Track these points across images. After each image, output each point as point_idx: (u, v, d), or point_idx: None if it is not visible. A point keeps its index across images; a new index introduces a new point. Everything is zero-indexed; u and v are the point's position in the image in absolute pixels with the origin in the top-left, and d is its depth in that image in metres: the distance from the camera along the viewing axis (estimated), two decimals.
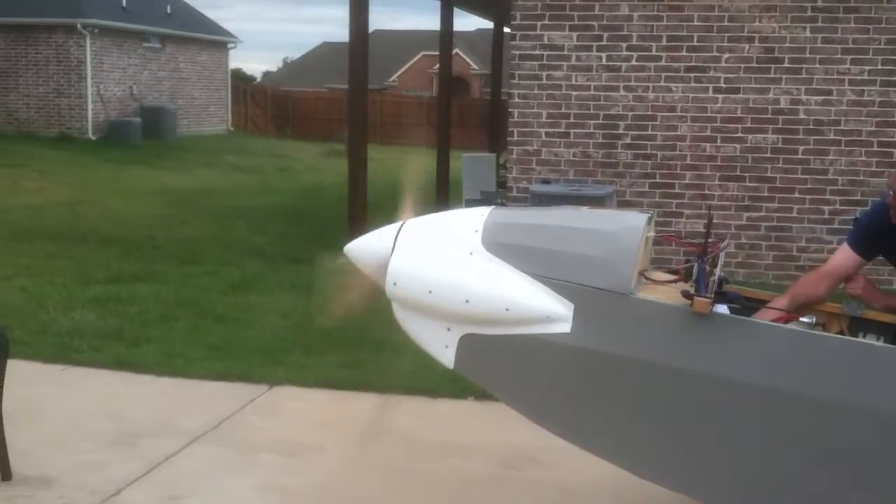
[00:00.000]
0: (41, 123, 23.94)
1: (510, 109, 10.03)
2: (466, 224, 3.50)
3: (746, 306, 3.28)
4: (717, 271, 3.27)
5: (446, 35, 14.16)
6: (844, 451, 3.00)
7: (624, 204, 9.69)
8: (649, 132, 9.66)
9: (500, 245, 3.40)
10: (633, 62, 9.61)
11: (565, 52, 9.77)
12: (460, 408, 5.48)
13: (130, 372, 6.04)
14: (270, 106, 34.85)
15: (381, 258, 3.55)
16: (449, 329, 3.45)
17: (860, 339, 3.05)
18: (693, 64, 9.48)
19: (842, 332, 3.60)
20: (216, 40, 30.17)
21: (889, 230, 3.56)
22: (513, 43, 10.00)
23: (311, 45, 57.56)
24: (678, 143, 9.61)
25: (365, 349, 6.49)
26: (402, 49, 46.29)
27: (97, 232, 11.66)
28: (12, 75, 24.13)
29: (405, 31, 50.05)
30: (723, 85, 9.44)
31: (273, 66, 65.13)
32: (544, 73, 9.83)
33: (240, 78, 46.51)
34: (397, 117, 33.43)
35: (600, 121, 9.75)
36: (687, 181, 9.63)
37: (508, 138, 10.09)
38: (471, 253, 3.42)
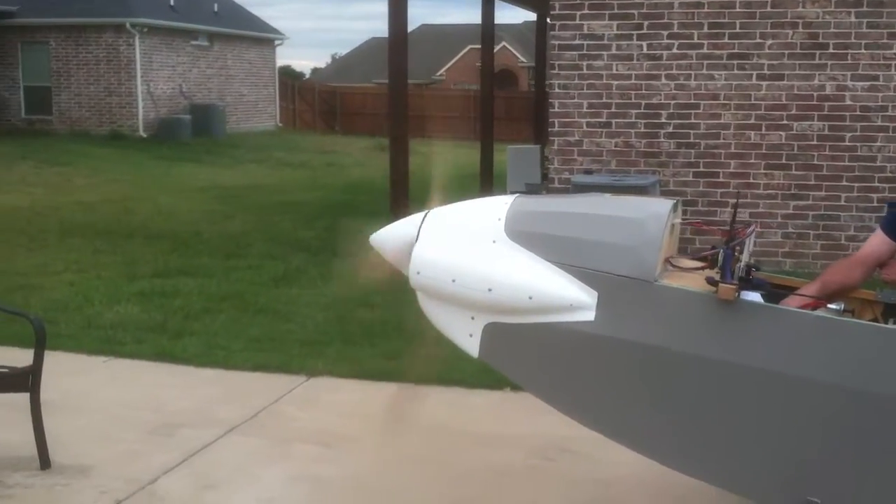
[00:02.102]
0: (93, 122, 24.32)
1: (550, 100, 9.99)
2: (490, 213, 3.49)
3: (773, 293, 3.23)
4: (744, 257, 3.23)
5: (488, 28, 14.14)
6: (873, 440, 2.95)
7: (667, 194, 9.60)
8: (692, 121, 9.56)
9: (523, 233, 3.39)
10: (675, 50, 9.51)
11: (605, 42, 9.70)
12: (496, 398, 5.47)
13: (171, 363, 6.13)
14: (318, 102, 35.04)
15: (405, 247, 3.56)
16: (473, 318, 3.44)
17: (890, 326, 2.98)
18: (736, 51, 9.36)
19: (875, 320, 3.54)
20: (263, 37, 30.41)
21: None
22: (552, 33, 9.96)
23: (358, 41, 57.60)
24: (722, 132, 9.50)
25: (404, 340, 6.50)
26: (450, 43, 46.28)
27: (145, 228, 11.84)
28: (64, 75, 24.55)
29: (452, 24, 50.07)
30: (766, 72, 9.30)
31: (322, 62, 65.48)
32: (584, 63, 9.77)
33: (288, 75, 46.90)
34: (444, 111, 33.42)
35: (642, 110, 9.67)
36: (731, 170, 9.51)
37: (549, 129, 10.05)
38: (494, 241, 3.42)
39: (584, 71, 9.78)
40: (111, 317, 7.23)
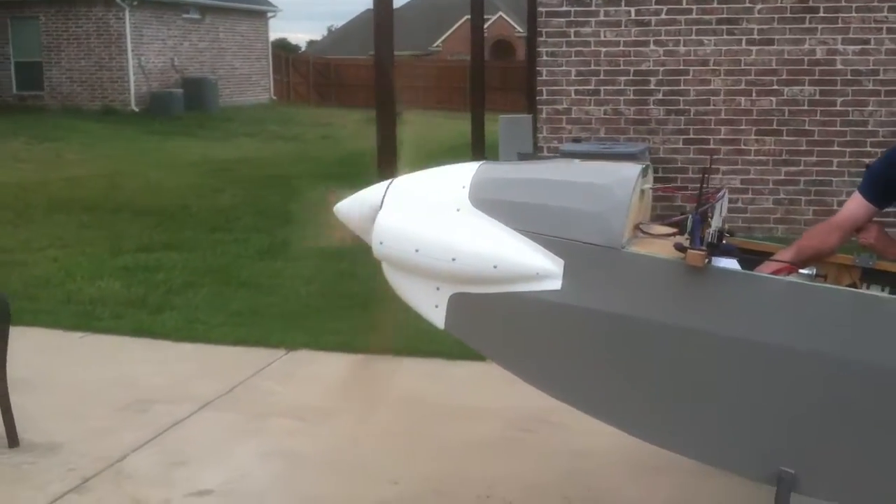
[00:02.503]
0: (85, 97, 24.15)
1: (538, 68, 9.86)
2: (454, 180, 3.40)
3: (745, 259, 3.13)
4: (715, 223, 3.14)
5: None
6: (849, 408, 2.87)
7: (657, 161, 9.50)
8: (681, 87, 9.43)
9: (488, 201, 3.30)
10: (663, 16, 9.38)
11: (593, 8, 9.57)
12: (477, 370, 5.38)
13: (150, 339, 6.05)
14: (313, 74, 34.82)
15: (369, 217, 3.47)
16: (438, 288, 3.36)
17: (863, 290, 2.89)
18: (725, 16, 9.23)
19: (854, 285, 3.45)
20: (255, 10, 30.14)
21: None
22: (540, 0, 9.81)
23: (353, 13, 57.20)
24: (712, 98, 9.37)
25: (387, 312, 6.40)
26: (446, 14, 45.89)
27: (133, 202, 11.74)
28: (55, 50, 24.36)
29: None
30: (756, 37, 9.17)
31: (317, 35, 64.93)
32: (572, 30, 9.64)
33: (283, 48, 46.57)
34: (440, 82, 33.23)
35: (631, 77, 9.55)
36: (722, 136, 9.40)
37: (538, 97, 9.93)
38: (458, 210, 3.32)
39: (572, 38, 9.65)
40: (92, 292, 7.15)
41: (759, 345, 2.91)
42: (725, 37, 9.25)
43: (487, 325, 3.35)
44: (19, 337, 4.36)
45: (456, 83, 31.74)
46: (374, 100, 27.11)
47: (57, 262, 8.22)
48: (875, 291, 2.82)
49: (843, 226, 3.44)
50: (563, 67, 9.71)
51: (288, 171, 15.44)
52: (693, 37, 9.33)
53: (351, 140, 21.80)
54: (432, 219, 3.34)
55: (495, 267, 3.21)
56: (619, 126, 9.65)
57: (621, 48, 9.53)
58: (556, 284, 3.16)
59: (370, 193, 3.56)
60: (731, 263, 3.23)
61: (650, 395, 3.15)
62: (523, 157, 11.98)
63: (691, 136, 9.47)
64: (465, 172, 3.42)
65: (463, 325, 3.38)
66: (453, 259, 3.26)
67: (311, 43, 64.96)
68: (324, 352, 5.80)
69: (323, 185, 13.38)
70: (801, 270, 3.04)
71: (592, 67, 9.65)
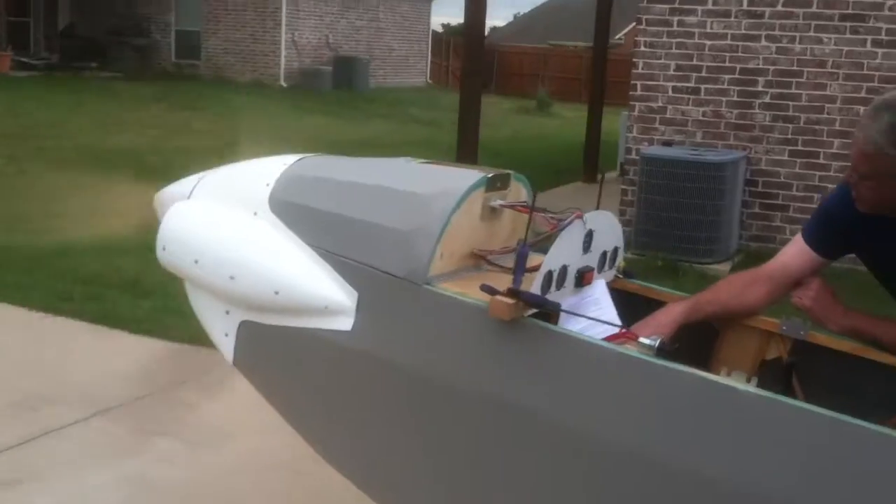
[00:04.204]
0: (237, 69, 24.39)
1: (634, 60, 8.86)
2: (262, 175, 2.67)
3: (550, 311, 2.23)
4: (567, 259, 2.28)
5: None
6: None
7: (758, 173, 8.38)
8: (793, 90, 8.25)
9: (287, 205, 2.55)
10: (779, 7, 8.21)
11: None
12: None
13: (109, 327, 5.53)
14: None
15: None
16: (228, 312, 2.63)
17: (710, 375, 1.98)
18: (850, 12, 7.98)
19: (780, 360, 2.50)
20: None
21: (855, 221, 2.42)
22: None
23: (539, 2, 56.49)
24: (826, 105, 8.15)
25: None
26: (631, 4, 44.38)
27: None
28: (213, 20, 24.71)
29: None
30: (884, 37, 7.89)
31: (504, 20, 64.41)
32: (675, 19, 8.60)
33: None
34: (615, 76, 32.01)
35: (736, 75, 8.43)
36: (834, 150, 8.16)
37: (630, 92, 8.93)
38: (255, 214, 2.59)
39: (674, 27, 8.61)
40: (96, 268, 6.74)
41: (562, 429, 2.08)
42: (848, 35, 8.00)
43: (270, 366, 2.60)
44: None
45: (622, 77, 30.45)
46: (532, 89, 26.30)
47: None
48: (735, 379, 1.91)
49: (774, 276, 2.50)
50: (662, 61, 8.69)
51: (396, 153, 14.87)
52: (811, 33, 8.12)
53: (485, 128, 21.03)
54: (222, 223, 2.62)
55: (276, 293, 2.46)
56: (719, 130, 8.55)
57: (728, 42, 8.43)
58: (346, 323, 2.38)
59: (183, 185, 2.86)
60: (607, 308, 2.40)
61: (448, 481, 2.33)
62: None
63: (799, 147, 8.27)
64: (274, 167, 2.68)
65: (249, 362, 2.65)
66: (231, 277, 2.53)
67: (493, 29, 64.55)
68: None
69: None
70: (643, 339, 2.14)
71: (694, 62, 8.58)
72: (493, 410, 2.18)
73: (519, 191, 2.61)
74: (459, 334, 2.22)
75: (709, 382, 1.96)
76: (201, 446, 4.03)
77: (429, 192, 2.38)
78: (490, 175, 2.45)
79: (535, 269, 2.24)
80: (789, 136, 8.30)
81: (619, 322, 2.44)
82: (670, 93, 8.68)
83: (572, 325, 2.32)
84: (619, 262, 2.64)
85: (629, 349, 2.09)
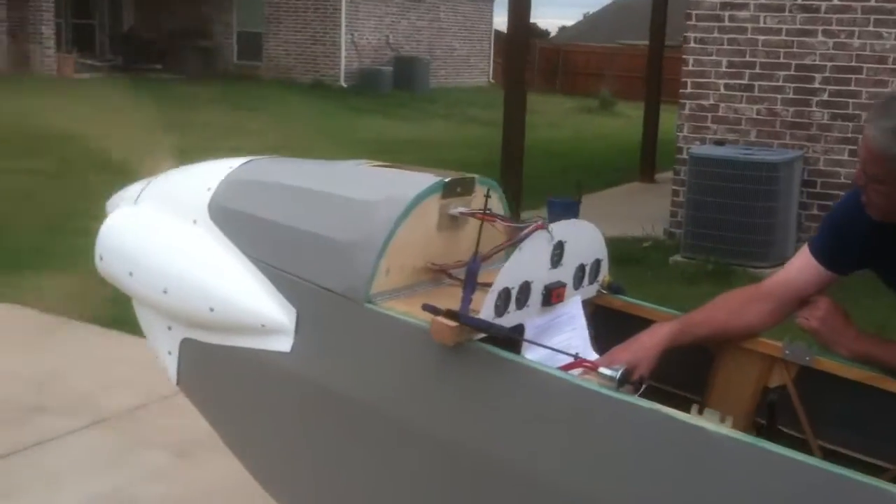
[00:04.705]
0: (299, 70, 24.39)
1: (684, 56, 8.50)
2: (204, 180, 2.44)
3: (506, 337, 1.95)
4: (506, 278, 1.99)
5: None
6: None
7: (815, 174, 7.96)
8: (852, 87, 7.82)
9: (226, 212, 2.33)
10: (836, 1, 7.79)
11: None
12: None
13: (124, 333, 5.38)
14: (539, 60, 33.79)
15: None
16: (170, 329, 2.42)
17: (675, 412, 1.69)
18: None
19: (783, 388, 2.19)
20: None
21: (867, 230, 2.11)
22: None
23: (608, 0, 55.83)
24: None
25: None
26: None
27: None
28: (274, 22, 24.75)
29: None
30: None
31: (572, 20, 63.79)
32: (726, 14, 8.22)
33: (531, 34, 45.79)
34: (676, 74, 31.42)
35: (791, 72, 8.03)
36: None
37: (681, 90, 8.57)
38: (195, 221, 2.37)
39: (726, 23, 8.23)
40: None
41: (509, 469, 1.83)
42: None
43: (210, 388, 2.38)
44: None
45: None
46: (596, 89, 25.74)
47: None
48: (708, 417, 1.63)
49: (775, 293, 2.20)
50: (713, 57, 8.31)
51: (454, 155, 14.67)
52: (870, 28, 7.69)
53: (546, 129, 20.77)
54: (158, 232, 2.40)
55: (212, 310, 2.24)
56: (774, 129, 8.15)
57: (783, 37, 8.02)
58: (284, 344, 2.14)
59: (132, 190, 2.66)
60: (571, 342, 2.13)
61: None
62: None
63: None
64: (219, 170, 2.45)
65: (191, 382, 2.43)
66: (164, 291, 2.32)
67: (562, 28, 63.98)
68: None
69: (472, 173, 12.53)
70: (602, 369, 1.87)
71: (747, 58, 8.19)
72: (437, 445, 1.93)
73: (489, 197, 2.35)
74: (400, 359, 1.98)
75: (674, 421, 1.68)
76: (190, 460, 3.84)
77: (373, 199, 2.13)
78: (447, 179, 2.19)
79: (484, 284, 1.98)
80: (849, 135, 7.86)
81: (589, 345, 2.18)
82: (722, 90, 8.30)
83: (540, 350, 2.06)
84: (603, 276, 2.36)
85: (586, 380, 1.82)
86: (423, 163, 12.03)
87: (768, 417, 2.21)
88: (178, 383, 2.47)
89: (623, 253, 8.07)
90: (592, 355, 2.21)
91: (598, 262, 2.30)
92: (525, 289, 2.03)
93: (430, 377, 1.93)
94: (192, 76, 22.92)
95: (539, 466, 1.80)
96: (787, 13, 7.97)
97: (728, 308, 2.21)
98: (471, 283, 1.93)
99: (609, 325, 2.33)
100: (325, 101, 21.82)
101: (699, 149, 7.91)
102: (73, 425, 4.09)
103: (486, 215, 2.18)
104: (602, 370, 1.85)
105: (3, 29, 20.84)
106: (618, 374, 1.84)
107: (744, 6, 8.12)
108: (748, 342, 2.21)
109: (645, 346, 2.11)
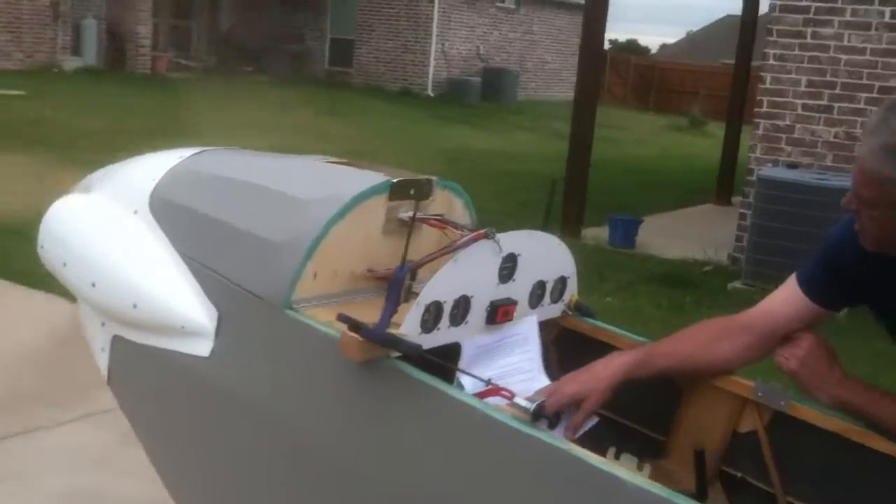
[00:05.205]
0: (388, 78, 24.42)
1: (762, 73, 8.13)
2: (151, 169, 2.29)
3: (426, 357, 1.73)
4: (435, 290, 1.78)
5: None
6: None
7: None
8: None
9: (165, 204, 2.17)
10: None
11: (839, 5, 7.70)
12: None
13: None
14: (633, 76, 33.35)
15: None
16: (103, 324, 2.28)
17: (588, 455, 1.46)
18: None
19: (754, 433, 1.93)
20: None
21: (860, 260, 1.84)
22: None
23: (711, 19, 54.87)
24: None
25: None
26: None
27: None
28: (367, 29, 24.82)
29: None
30: None
31: (675, 38, 62.96)
32: (809, 30, 7.83)
33: (630, 50, 45.37)
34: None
35: (874, 94, 7.59)
36: None
37: (756, 109, 8.20)
38: (135, 212, 2.22)
39: (808, 40, 7.84)
40: None
41: (411, 495, 1.62)
42: None
43: (134, 390, 2.23)
44: None
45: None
46: (688, 107, 25.14)
47: None
48: (624, 464, 1.38)
49: (754, 327, 1.95)
50: (792, 76, 7.93)
51: (531, 167, 14.47)
52: None
53: (630, 145, 20.43)
54: (94, 222, 2.26)
55: (135, 306, 2.08)
56: (851, 154, 7.70)
57: (867, 57, 7.60)
58: (204, 348, 1.97)
59: (91, 178, 2.53)
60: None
61: None
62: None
63: None
64: (167, 160, 2.30)
65: (119, 382, 2.29)
66: (93, 284, 2.17)
67: (663, 46, 63.19)
68: None
69: (545, 188, 12.28)
70: (518, 400, 1.64)
71: (828, 78, 7.79)
72: (344, 471, 1.73)
73: (450, 202, 2.15)
74: (313, 373, 1.78)
75: (584, 464, 1.45)
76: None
77: (308, 197, 1.95)
78: (396, 180, 1.99)
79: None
80: None
81: (541, 370, 1.96)
82: (800, 111, 7.91)
83: (488, 372, 1.85)
84: (571, 295, 2.13)
85: (498, 410, 1.60)
86: (494, 174, 12.00)
87: (758, 462, 1.95)
88: (108, 382, 2.32)
89: (679, 275, 7.75)
90: (544, 381, 1.99)
91: (563, 280, 2.08)
92: (463, 304, 1.82)
93: (339, 395, 1.74)
94: (282, 80, 23.14)
95: (439, 497, 1.59)
96: (872, 31, 7.55)
97: (697, 340, 1.95)
98: (394, 294, 1.73)
99: (576, 350, 2.10)
100: (410, 110, 21.80)
101: (769, 171, 7.53)
102: (68, 417, 4.03)
103: (437, 222, 1.98)
104: (517, 401, 1.63)
105: (102, 28, 21.33)
106: (532, 407, 1.61)
107: (828, 23, 7.73)
108: (718, 380, 1.95)
109: (597, 376, 1.87)
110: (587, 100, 9.13)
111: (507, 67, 25.57)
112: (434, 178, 2.12)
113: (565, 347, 2.13)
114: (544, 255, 1.99)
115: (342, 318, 1.70)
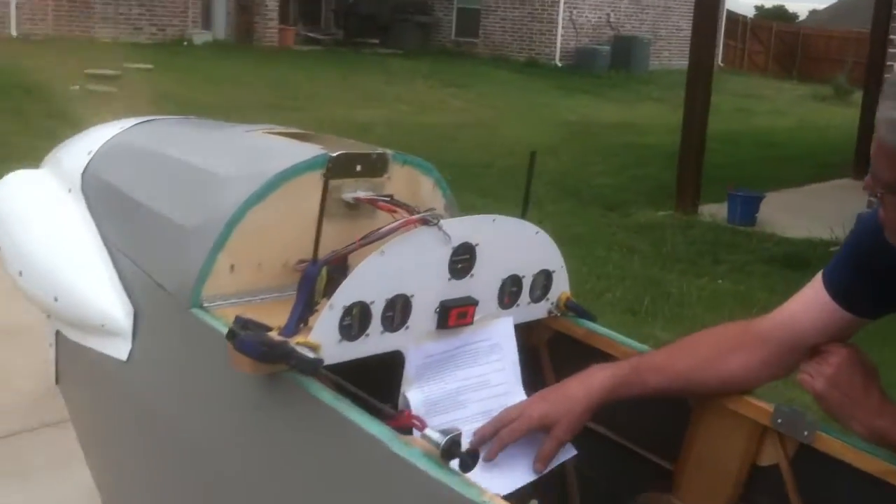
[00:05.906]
0: (514, 48, 23.97)
1: (891, 36, 7.43)
2: (90, 142, 2.04)
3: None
4: (353, 289, 1.45)
5: None
6: None
7: None
8: None
9: (94, 182, 1.92)
10: None
11: None
12: None
13: None
14: (775, 43, 31.88)
15: None
16: (48, 317, 2.05)
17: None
18: None
19: (776, 468, 1.54)
20: None
21: (891, 261, 1.42)
22: None
23: None
24: None
25: None
26: None
27: (441, 155, 10.99)
28: None
29: None
30: None
31: (824, 4, 60.18)
32: None
33: (779, 17, 43.54)
34: None
35: None
36: None
37: (886, 76, 7.48)
38: (70, 190, 1.98)
39: None
40: None
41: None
42: None
43: (74, 392, 2.01)
44: None
45: None
46: (834, 75, 23.93)
47: None
48: None
49: (772, 337, 1.56)
50: None
51: (652, 140, 13.88)
52: None
53: (766, 116, 19.47)
54: (32, 201, 2.03)
55: (56, 299, 1.84)
56: None
57: None
58: (122, 349, 1.72)
59: (55, 151, 2.30)
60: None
61: None
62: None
63: None
64: (107, 132, 2.05)
65: (64, 382, 2.06)
66: (20, 273, 1.94)
67: (812, 12, 60.53)
68: None
69: (662, 162, 11.71)
70: (428, 432, 1.31)
71: None
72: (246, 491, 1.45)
73: (415, 181, 1.82)
74: (214, 382, 1.50)
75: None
76: None
77: (227, 174, 1.65)
78: (335, 154, 1.66)
79: None
80: None
81: (519, 382, 1.62)
82: None
83: (443, 386, 1.53)
84: (560, 293, 1.77)
85: (401, 442, 1.28)
86: (614, 146, 11.52)
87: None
88: (56, 383, 2.10)
89: (801, 256, 7.18)
90: (521, 396, 1.65)
91: (546, 275, 1.73)
92: (401, 304, 1.50)
93: (237, 410, 1.46)
94: (409, 51, 23.00)
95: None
96: None
97: (699, 352, 1.57)
98: (304, 294, 1.43)
99: (570, 358, 1.75)
100: (536, 80, 21.33)
101: None
102: (50, 420, 3.83)
103: (385, 203, 1.66)
104: (427, 433, 1.30)
105: (232, 1, 21.60)
106: (442, 443, 1.28)
107: None
108: (732, 401, 1.57)
109: (570, 396, 1.52)
110: (702, 70, 8.57)
111: (638, 35, 24.72)
112: (389, 151, 1.79)
113: (558, 354, 1.79)
114: (516, 245, 1.65)
115: (240, 321, 1.40)
